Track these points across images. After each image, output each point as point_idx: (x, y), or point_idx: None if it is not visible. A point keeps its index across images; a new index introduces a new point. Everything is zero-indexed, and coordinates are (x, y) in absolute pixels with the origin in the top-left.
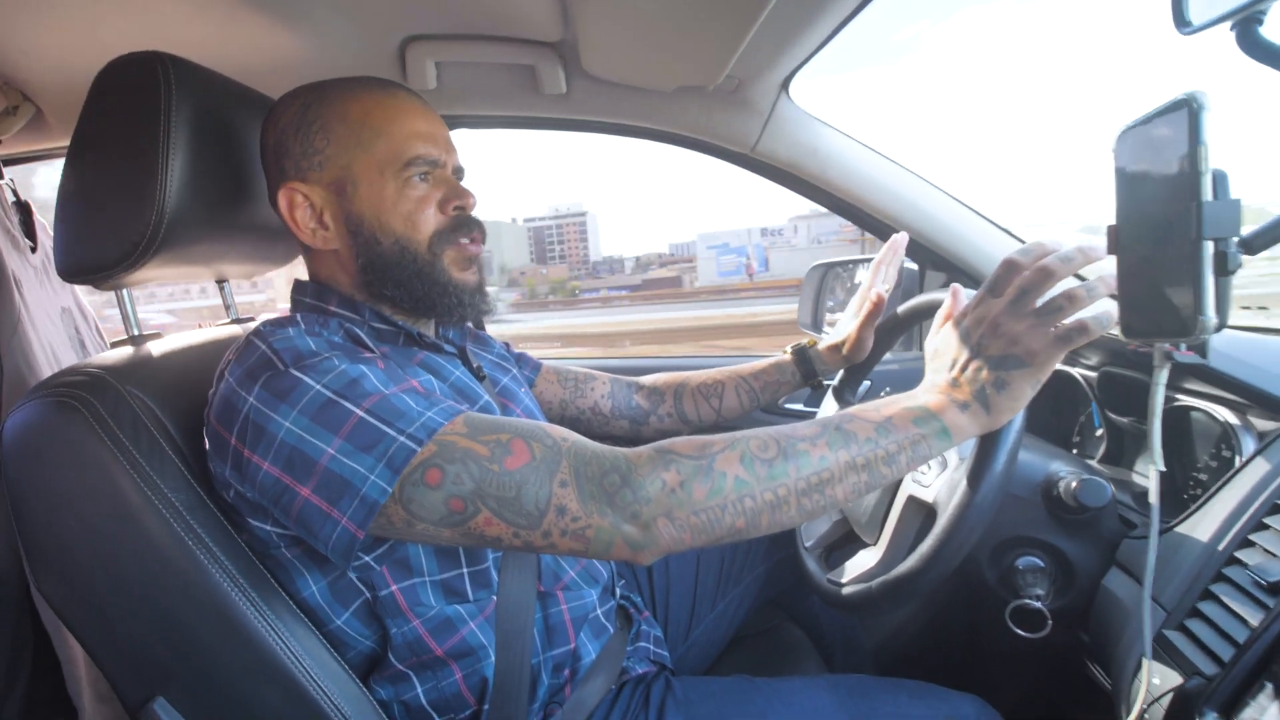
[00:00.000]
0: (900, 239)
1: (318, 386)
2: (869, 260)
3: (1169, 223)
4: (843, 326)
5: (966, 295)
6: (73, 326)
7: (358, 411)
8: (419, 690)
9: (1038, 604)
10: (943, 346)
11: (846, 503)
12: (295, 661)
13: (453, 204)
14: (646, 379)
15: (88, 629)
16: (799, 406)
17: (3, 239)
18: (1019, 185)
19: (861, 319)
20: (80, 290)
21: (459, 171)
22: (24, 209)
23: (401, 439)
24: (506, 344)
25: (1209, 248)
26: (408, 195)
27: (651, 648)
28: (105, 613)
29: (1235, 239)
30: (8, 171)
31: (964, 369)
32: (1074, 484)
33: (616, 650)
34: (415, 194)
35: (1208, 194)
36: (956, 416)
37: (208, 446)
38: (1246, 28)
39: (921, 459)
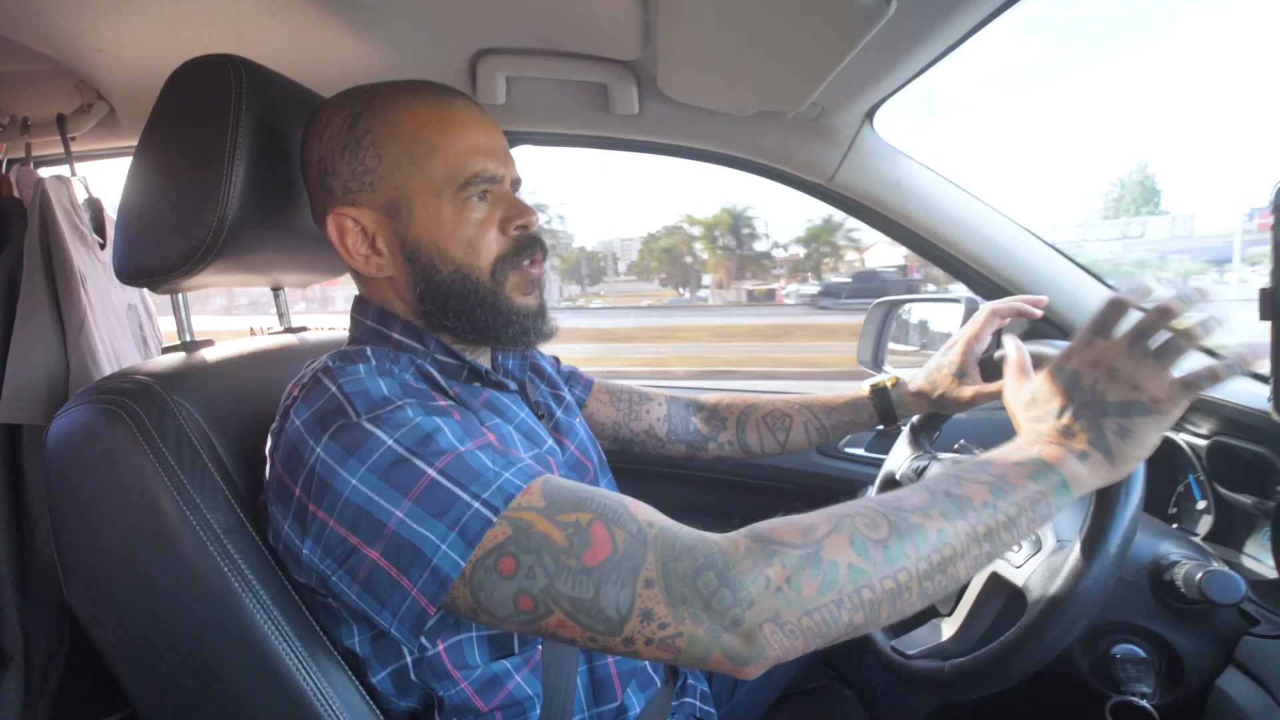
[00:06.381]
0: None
1: (390, 442)
2: (936, 298)
3: None
4: (939, 378)
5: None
6: (137, 324)
7: (430, 472)
8: None
9: (1144, 703)
10: (1041, 394)
11: (967, 579)
12: (326, 706)
13: (515, 224)
14: (708, 399)
15: (112, 645)
16: (860, 451)
17: (72, 236)
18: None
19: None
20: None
21: (516, 183)
22: (94, 205)
23: (476, 505)
24: (556, 359)
25: None
26: (467, 218)
27: (698, 704)
28: (132, 632)
29: None
30: (80, 168)
31: (1077, 416)
32: (1199, 575)
33: (661, 705)
34: (475, 216)
35: None
36: (1076, 467)
37: (270, 491)
38: None
39: (1042, 519)
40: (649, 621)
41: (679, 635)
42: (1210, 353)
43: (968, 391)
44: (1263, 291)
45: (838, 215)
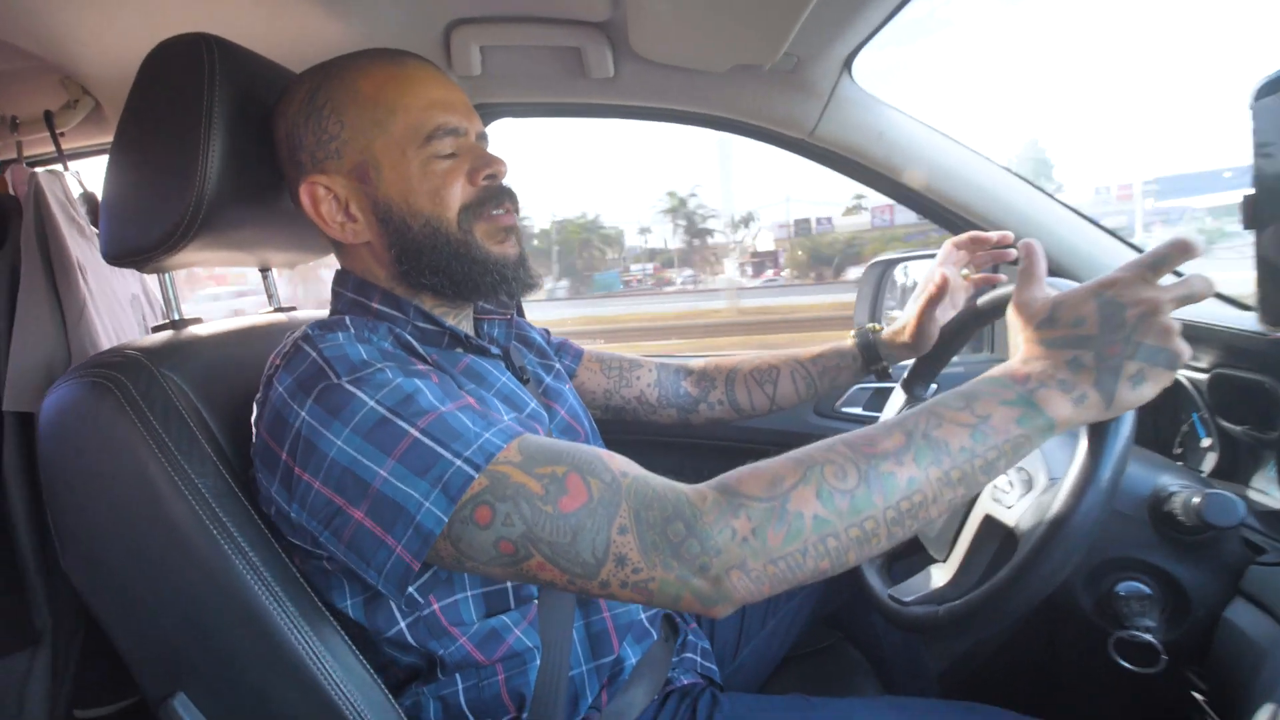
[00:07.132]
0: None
1: (371, 403)
2: (931, 255)
3: None
4: (905, 314)
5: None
6: (140, 315)
7: (412, 431)
8: (459, 689)
9: (1148, 637)
10: (1066, 315)
11: (940, 520)
12: (320, 666)
13: (483, 173)
14: (696, 363)
15: (111, 616)
16: (857, 410)
17: (69, 227)
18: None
19: (922, 303)
20: (149, 280)
21: (482, 138)
22: (90, 200)
23: (458, 463)
24: (546, 331)
25: None
26: (433, 171)
27: (699, 660)
28: (130, 601)
29: None
30: (73, 166)
31: (1100, 352)
32: (1197, 500)
33: (660, 658)
34: (440, 168)
35: None
36: (1066, 410)
37: (256, 459)
38: None
39: (1020, 458)
40: (623, 566)
41: (651, 580)
42: None
43: (925, 317)
44: (1246, 199)
45: (591, 212)
